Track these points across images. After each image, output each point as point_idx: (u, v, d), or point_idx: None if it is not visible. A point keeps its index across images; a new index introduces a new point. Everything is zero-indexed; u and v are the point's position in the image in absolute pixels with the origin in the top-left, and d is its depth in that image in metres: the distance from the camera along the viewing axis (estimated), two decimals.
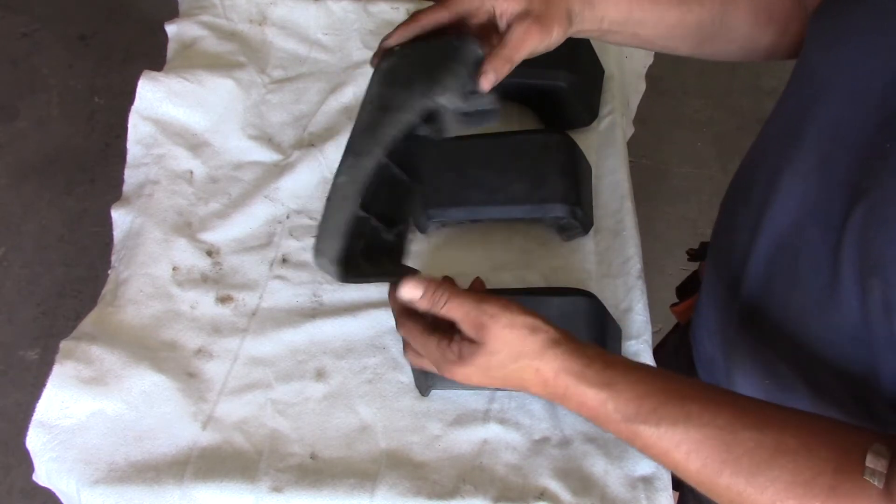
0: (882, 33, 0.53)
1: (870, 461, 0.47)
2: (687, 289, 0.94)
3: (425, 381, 0.78)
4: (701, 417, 0.52)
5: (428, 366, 0.64)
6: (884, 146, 0.50)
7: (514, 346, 0.57)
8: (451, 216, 0.89)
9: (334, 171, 0.98)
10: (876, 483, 0.46)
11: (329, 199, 0.60)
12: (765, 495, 0.49)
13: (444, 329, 0.61)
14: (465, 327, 0.59)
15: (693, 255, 0.93)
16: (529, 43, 0.63)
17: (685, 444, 0.51)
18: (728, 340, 0.72)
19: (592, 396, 0.55)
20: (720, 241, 0.74)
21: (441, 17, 0.65)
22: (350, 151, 0.63)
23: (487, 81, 0.63)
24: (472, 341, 0.59)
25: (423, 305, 0.61)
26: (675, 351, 0.87)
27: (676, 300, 0.94)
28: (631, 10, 0.69)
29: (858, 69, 0.54)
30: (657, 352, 0.97)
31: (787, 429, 0.50)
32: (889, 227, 0.49)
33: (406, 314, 0.63)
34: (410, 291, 0.62)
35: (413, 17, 0.66)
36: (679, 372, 0.83)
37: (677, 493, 0.98)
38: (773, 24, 0.72)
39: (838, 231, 0.54)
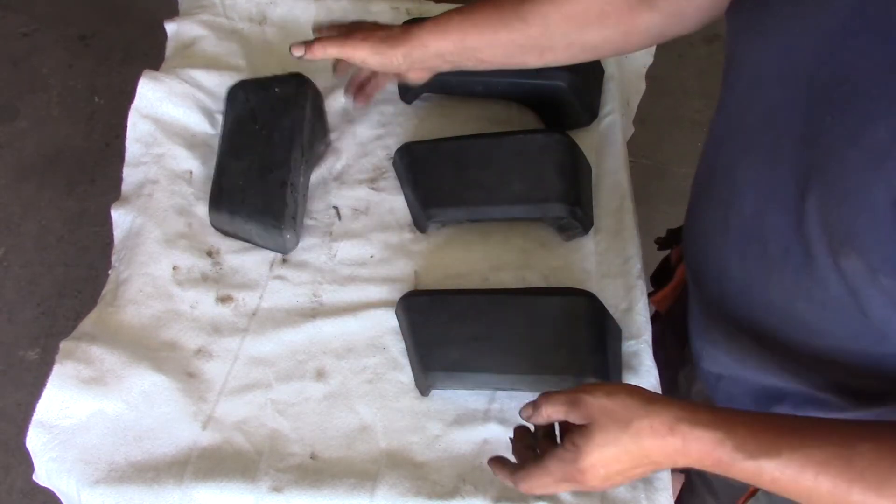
0: (800, 17, 0.54)
1: None
2: (660, 277, 0.95)
3: (425, 381, 0.78)
4: (816, 439, 0.52)
5: (564, 486, 0.61)
6: (822, 120, 0.51)
7: (619, 412, 0.56)
8: (450, 216, 0.89)
9: (333, 171, 0.98)
10: None
11: None
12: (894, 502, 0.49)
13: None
14: (571, 415, 0.59)
15: (662, 244, 0.93)
16: (334, 47, 0.81)
17: (811, 468, 0.51)
18: (725, 337, 0.72)
19: (710, 439, 0.54)
20: (693, 243, 0.75)
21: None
22: None
23: (297, 50, 0.82)
24: (580, 428, 0.58)
25: (526, 417, 0.62)
26: (660, 337, 0.88)
27: (653, 289, 0.94)
28: (462, 39, 0.77)
29: (783, 54, 0.55)
30: None
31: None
32: (851, 199, 0.50)
33: (515, 468, 0.63)
34: (525, 411, 0.62)
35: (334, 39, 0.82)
36: (667, 360, 0.85)
37: (682, 475, 0.99)
38: (602, 23, 0.74)
39: (799, 212, 0.54)
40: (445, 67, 0.82)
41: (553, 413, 0.60)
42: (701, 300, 0.75)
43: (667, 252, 0.94)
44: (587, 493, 0.73)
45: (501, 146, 0.91)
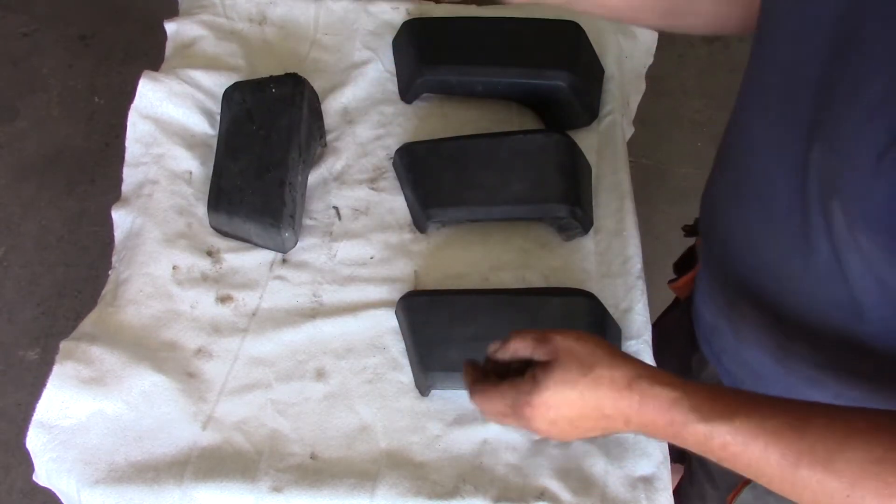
0: None
1: None
2: (683, 265, 0.95)
3: (425, 381, 0.78)
4: (773, 409, 0.52)
5: (510, 419, 0.61)
6: (832, 77, 0.52)
7: (585, 357, 0.56)
8: (450, 216, 0.89)
9: (334, 171, 0.98)
10: None
11: None
12: (843, 480, 0.48)
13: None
14: (537, 351, 0.59)
15: (689, 231, 0.93)
16: None
17: (762, 437, 0.51)
18: (728, 304, 0.73)
19: (666, 397, 0.54)
20: (706, 206, 0.76)
21: None
22: None
23: None
24: (542, 364, 0.58)
25: (492, 351, 0.62)
26: (676, 325, 0.88)
27: (674, 276, 0.94)
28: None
29: (806, 12, 0.55)
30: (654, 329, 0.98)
31: (853, 413, 0.51)
32: (841, 150, 0.50)
33: (477, 380, 0.63)
34: (493, 345, 0.62)
35: None
36: (680, 346, 0.85)
37: (682, 466, 0.99)
38: None
39: (803, 169, 0.55)
40: (559, 1, 0.75)
41: (520, 347, 0.60)
42: (708, 266, 0.76)
43: (692, 240, 0.94)
44: (587, 491, 0.73)
45: (501, 146, 0.91)
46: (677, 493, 0.88)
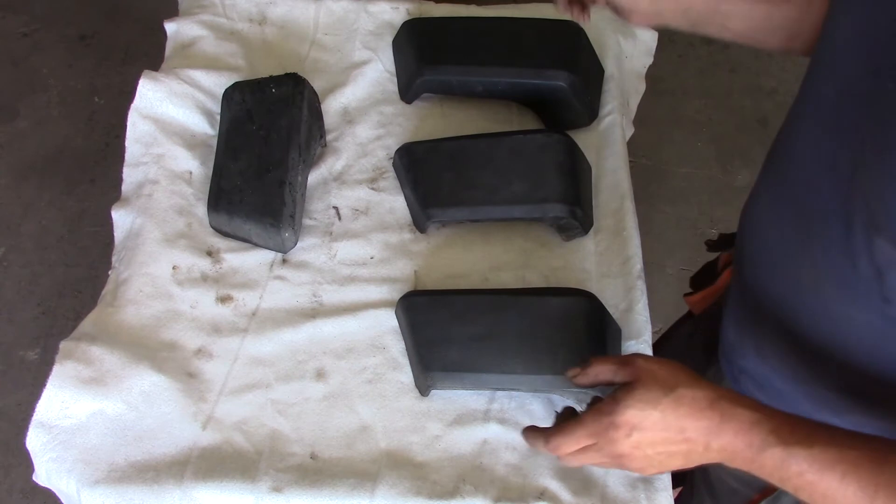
0: None
1: None
2: (701, 279, 0.95)
3: (425, 381, 0.78)
4: (852, 440, 0.52)
5: (593, 452, 0.60)
6: (885, 95, 0.51)
7: (666, 378, 0.57)
8: (451, 216, 0.89)
9: (333, 171, 0.98)
10: None
11: None
12: None
13: None
14: (619, 374, 0.59)
15: (712, 245, 0.93)
16: None
17: (840, 465, 0.51)
18: (754, 323, 0.72)
19: (747, 418, 0.54)
20: (745, 216, 0.74)
21: None
22: None
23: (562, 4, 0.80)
24: (623, 385, 0.58)
25: (572, 376, 0.63)
26: (688, 338, 0.87)
27: (690, 290, 0.94)
28: (718, 3, 0.72)
29: (863, 26, 0.55)
30: (660, 345, 0.97)
31: None
32: (891, 168, 0.49)
33: (551, 428, 0.63)
34: (573, 371, 0.63)
35: None
36: (693, 361, 0.84)
37: (678, 490, 0.99)
38: None
39: (848, 185, 0.54)
40: (682, 25, 0.75)
41: (601, 372, 0.61)
42: (738, 284, 0.75)
43: (715, 255, 0.93)
44: (587, 491, 0.73)
45: (501, 146, 0.91)
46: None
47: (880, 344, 0.58)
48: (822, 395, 0.66)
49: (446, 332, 0.79)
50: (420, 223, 0.90)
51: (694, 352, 0.88)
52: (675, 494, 0.97)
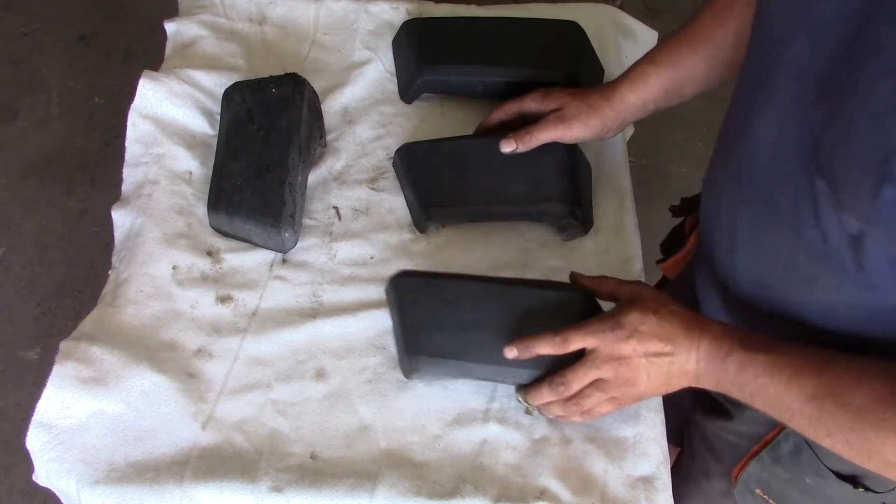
0: None
1: None
2: (670, 244, 0.96)
3: (409, 365, 0.77)
4: (802, 350, 0.61)
5: (588, 363, 0.70)
6: (839, 76, 0.53)
7: (660, 297, 0.69)
8: (450, 216, 0.89)
9: (333, 171, 0.98)
10: None
11: None
12: (849, 413, 0.56)
13: None
14: (621, 288, 0.73)
15: (676, 211, 0.94)
16: (548, 132, 0.85)
17: (788, 370, 0.59)
18: (722, 295, 0.76)
19: (720, 328, 0.65)
20: (708, 197, 0.77)
21: (513, 108, 0.91)
22: None
23: (507, 146, 0.87)
24: (626, 300, 0.70)
25: (588, 282, 0.78)
26: None
27: (662, 256, 0.96)
28: (663, 85, 0.84)
29: (812, 8, 0.57)
30: None
31: (870, 360, 0.58)
32: (851, 153, 0.52)
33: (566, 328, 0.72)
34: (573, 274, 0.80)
35: (499, 107, 0.92)
36: None
37: (677, 450, 0.99)
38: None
39: (811, 165, 0.57)
40: (644, 115, 0.87)
41: (607, 284, 0.75)
42: (710, 259, 0.77)
43: (680, 220, 0.95)
44: (587, 491, 0.73)
45: None
46: (677, 472, 0.88)
47: (854, 310, 0.61)
48: None
49: (436, 317, 0.78)
50: (420, 223, 0.90)
51: None
52: (674, 456, 0.97)
